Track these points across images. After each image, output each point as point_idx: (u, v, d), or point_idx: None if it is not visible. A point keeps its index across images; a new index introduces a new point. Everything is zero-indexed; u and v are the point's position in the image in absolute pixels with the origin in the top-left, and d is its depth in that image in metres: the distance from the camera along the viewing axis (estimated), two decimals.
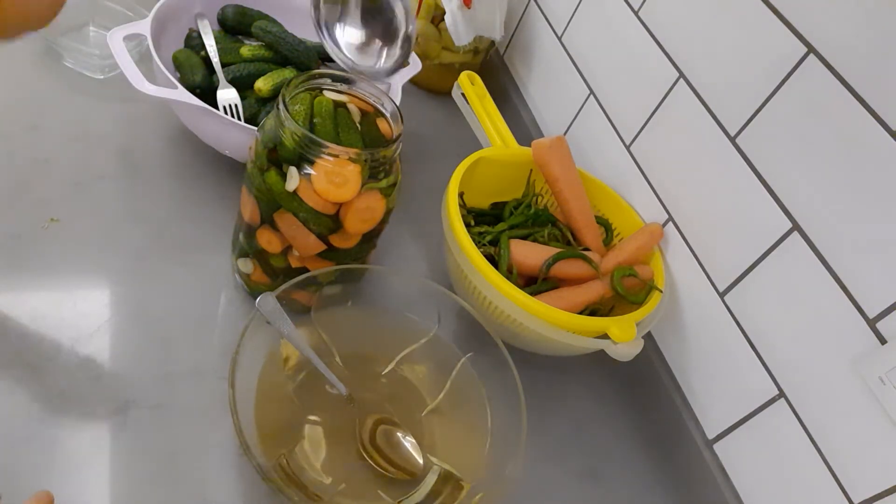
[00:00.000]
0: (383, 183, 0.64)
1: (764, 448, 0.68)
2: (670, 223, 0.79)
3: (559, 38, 1.00)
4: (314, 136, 0.59)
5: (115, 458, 0.57)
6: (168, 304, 0.69)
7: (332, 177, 0.60)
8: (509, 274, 0.74)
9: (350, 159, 0.60)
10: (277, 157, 0.62)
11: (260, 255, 0.68)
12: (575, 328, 0.69)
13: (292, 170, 0.61)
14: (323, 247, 0.65)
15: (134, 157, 0.80)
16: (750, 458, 0.69)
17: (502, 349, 0.66)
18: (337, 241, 0.65)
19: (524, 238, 0.79)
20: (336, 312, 0.69)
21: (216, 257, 0.74)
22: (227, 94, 0.81)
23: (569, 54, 0.98)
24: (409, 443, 0.62)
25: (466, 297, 0.73)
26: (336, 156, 0.60)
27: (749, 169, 0.68)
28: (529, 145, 0.83)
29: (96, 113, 0.83)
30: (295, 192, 0.61)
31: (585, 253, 0.78)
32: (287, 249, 0.66)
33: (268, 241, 0.66)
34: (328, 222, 0.63)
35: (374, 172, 0.62)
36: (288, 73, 0.84)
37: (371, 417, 0.63)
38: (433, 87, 1.09)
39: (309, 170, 0.60)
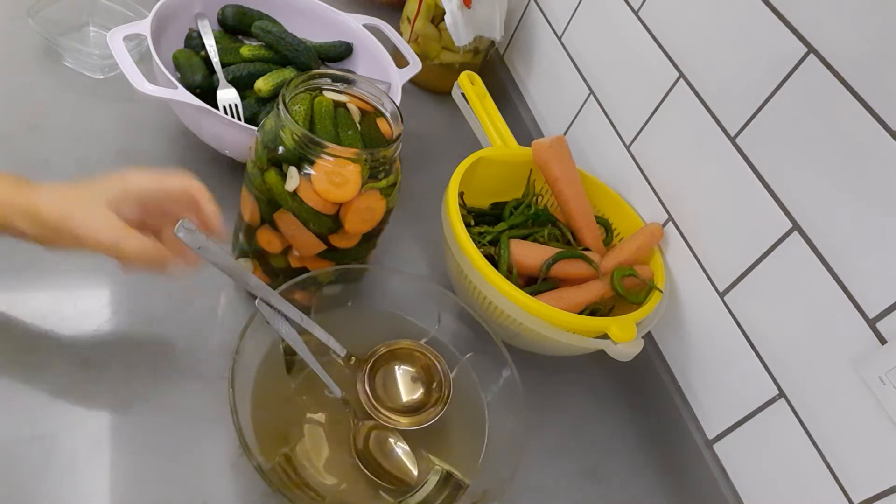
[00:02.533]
0: (383, 183, 0.64)
1: (764, 448, 0.68)
2: (670, 223, 0.79)
3: (559, 38, 1.00)
4: (314, 136, 0.59)
5: (116, 458, 0.57)
6: (168, 303, 0.69)
7: (332, 177, 0.60)
8: (509, 274, 0.74)
9: (350, 159, 0.60)
10: (277, 157, 0.61)
11: (260, 255, 0.68)
12: (575, 328, 0.69)
13: (292, 170, 0.61)
14: (323, 247, 0.65)
15: (134, 157, 0.80)
16: (750, 458, 0.69)
17: (502, 349, 0.66)
18: (337, 241, 0.65)
19: (524, 238, 0.79)
20: (336, 313, 0.69)
21: None
22: (227, 94, 0.81)
23: (569, 54, 0.98)
24: (401, 450, 0.62)
25: (466, 297, 0.73)
26: (336, 156, 0.60)
27: (749, 169, 0.68)
28: (529, 145, 0.83)
29: (96, 113, 0.83)
30: (295, 192, 0.61)
31: (585, 253, 0.78)
32: (287, 249, 0.66)
33: (268, 241, 0.66)
34: (328, 222, 0.63)
35: (374, 172, 0.62)
36: (288, 73, 0.84)
37: (366, 424, 0.63)
38: (433, 87, 1.09)
39: (309, 170, 0.60)
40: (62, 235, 0.53)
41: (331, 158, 0.60)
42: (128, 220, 0.55)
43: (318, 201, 0.61)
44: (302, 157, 0.60)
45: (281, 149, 0.61)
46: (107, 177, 0.55)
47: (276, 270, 0.68)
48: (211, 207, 0.58)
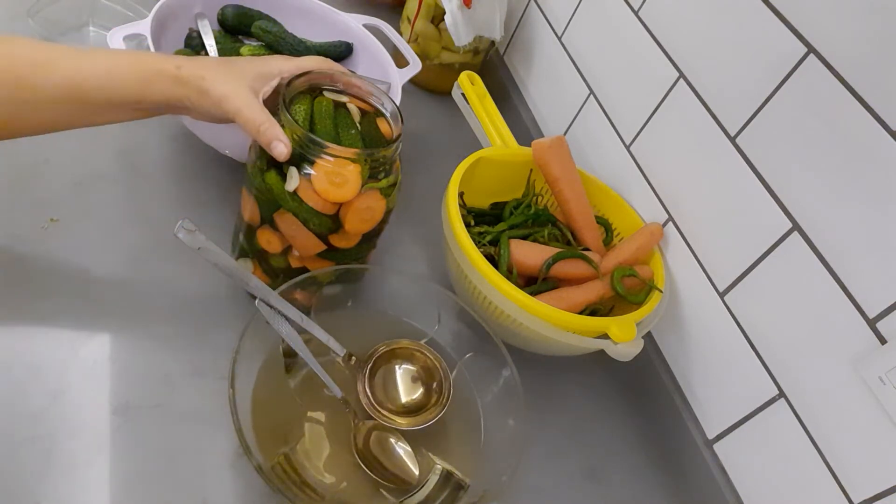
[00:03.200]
0: (383, 183, 0.64)
1: (764, 448, 0.68)
2: (670, 223, 0.79)
3: (559, 38, 1.00)
4: (315, 137, 0.59)
5: (115, 458, 0.57)
6: (168, 303, 0.69)
7: (332, 177, 0.60)
8: (509, 274, 0.74)
9: (350, 159, 0.60)
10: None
11: (260, 256, 0.68)
12: (575, 328, 0.69)
13: (292, 170, 0.61)
14: (323, 247, 0.65)
15: (134, 157, 0.80)
16: (750, 458, 0.69)
17: (502, 349, 0.66)
18: (337, 241, 0.65)
19: (524, 238, 0.79)
20: (336, 313, 0.69)
21: None
22: None
23: (569, 54, 0.98)
24: (402, 450, 0.62)
25: (466, 298, 0.73)
26: (336, 156, 0.60)
27: (749, 169, 0.68)
28: (529, 145, 0.83)
29: None
30: (295, 192, 0.61)
31: (585, 253, 0.78)
32: (287, 250, 0.66)
33: (268, 241, 0.66)
34: (328, 222, 0.63)
35: (374, 172, 0.62)
36: None
37: (366, 424, 0.63)
38: (433, 87, 1.09)
39: (309, 170, 0.60)
40: (215, 111, 0.60)
41: (331, 158, 0.60)
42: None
43: (319, 201, 0.61)
44: (302, 158, 0.60)
45: None
46: (250, 61, 0.64)
47: (276, 270, 0.68)
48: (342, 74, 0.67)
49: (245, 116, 0.59)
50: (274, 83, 0.63)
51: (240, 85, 0.60)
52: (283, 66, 0.64)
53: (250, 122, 0.59)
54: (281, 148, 0.59)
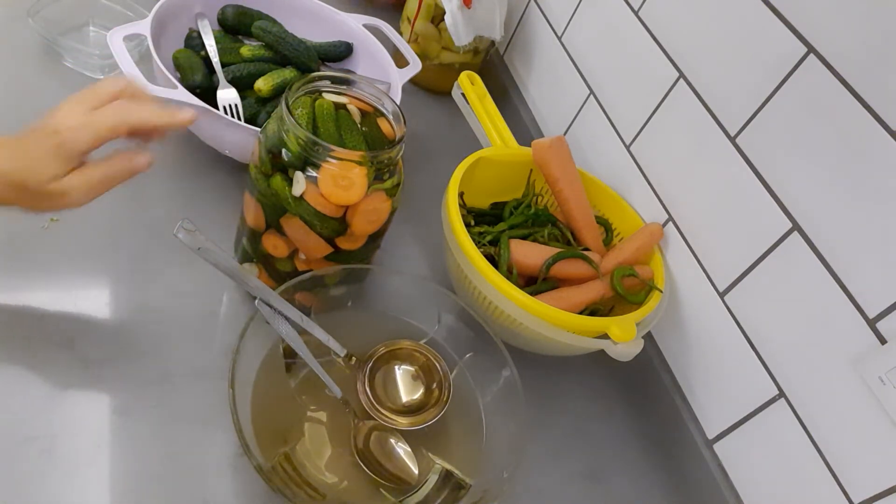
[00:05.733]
0: (388, 184, 0.64)
1: (764, 448, 0.68)
2: (670, 223, 0.79)
3: (559, 38, 1.00)
4: (322, 142, 0.59)
5: (115, 458, 0.57)
6: (168, 304, 0.69)
7: (338, 180, 0.60)
8: (509, 274, 0.74)
9: (356, 162, 0.60)
10: (283, 163, 0.61)
11: (265, 260, 0.67)
12: (575, 328, 0.69)
13: (298, 175, 0.60)
14: (330, 249, 0.65)
15: None
16: (750, 458, 0.69)
17: (502, 349, 0.66)
18: (343, 243, 0.65)
19: (524, 238, 0.79)
20: (336, 313, 0.69)
21: None
22: (227, 94, 0.81)
23: (569, 54, 0.98)
24: (402, 450, 0.62)
25: (466, 297, 0.73)
26: (342, 159, 0.60)
27: (749, 169, 0.68)
28: (529, 145, 0.83)
29: None
30: (301, 196, 0.61)
31: (585, 253, 0.78)
32: (293, 253, 0.66)
33: (274, 245, 0.66)
34: (335, 225, 0.63)
35: (379, 174, 0.62)
36: (288, 73, 0.84)
37: (366, 424, 0.63)
38: (433, 87, 1.09)
39: (315, 174, 0.60)
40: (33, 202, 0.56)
41: (336, 161, 0.60)
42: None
43: (325, 205, 0.61)
44: (308, 162, 0.60)
45: (286, 154, 0.61)
46: (39, 134, 0.57)
47: (283, 274, 0.67)
48: (147, 118, 0.61)
49: (97, 174, 0.57)
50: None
51: (46, 167, 0.55)
52: (78, 139, 0.58)
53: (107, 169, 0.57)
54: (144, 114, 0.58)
